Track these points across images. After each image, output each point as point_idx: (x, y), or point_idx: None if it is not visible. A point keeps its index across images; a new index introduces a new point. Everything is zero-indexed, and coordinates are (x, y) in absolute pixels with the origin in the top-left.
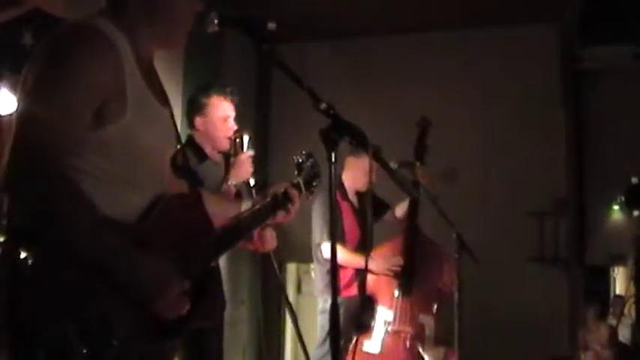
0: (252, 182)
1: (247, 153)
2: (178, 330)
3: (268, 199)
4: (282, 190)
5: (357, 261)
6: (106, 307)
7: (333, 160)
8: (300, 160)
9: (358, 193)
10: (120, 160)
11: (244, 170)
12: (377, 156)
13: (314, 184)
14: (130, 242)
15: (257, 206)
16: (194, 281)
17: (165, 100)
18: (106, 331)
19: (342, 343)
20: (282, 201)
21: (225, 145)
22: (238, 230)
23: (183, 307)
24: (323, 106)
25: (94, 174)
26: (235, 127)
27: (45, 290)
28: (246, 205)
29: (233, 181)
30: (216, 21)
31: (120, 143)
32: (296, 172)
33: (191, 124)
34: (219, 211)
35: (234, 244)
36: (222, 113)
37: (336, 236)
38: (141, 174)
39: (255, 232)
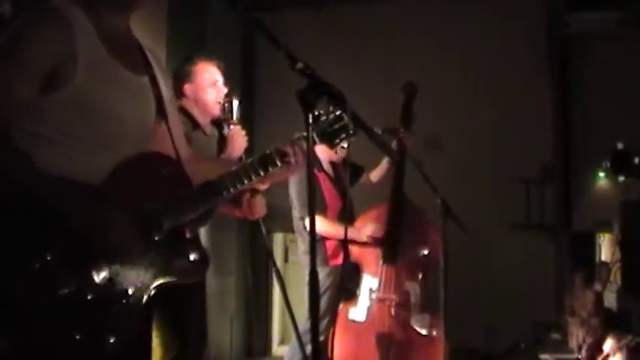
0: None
1: (238, 127)
2: (137, 282)
3: (259, 155)
4: (278, 146)
5: (340, 231)
6: (52, 257)
7: (310, 122)
8: (319, 113)
9: (332, 163)
10: (78, 122)
11: (238, 145)
12: (355, 116)
13: (341, 136)
14: (80, 195)
15: (244, 162)
16: (164, 241)
17: (141, 69)
18: (50, 282)
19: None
20: (280, 154)
21: (216, 110)
22: (217, 187)
23: (130, 251)
24: (299, 65)
25: (53, 137)
26: (225, 91)
27: None
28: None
29: (227, 157)
30: None
31: (74, 105)
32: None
33: (180, 92)
34: (209, 173)
35: (211, 200)
36: (210, 77)
37: (316, 206)
38: (104, 136)
39: (245, 199)
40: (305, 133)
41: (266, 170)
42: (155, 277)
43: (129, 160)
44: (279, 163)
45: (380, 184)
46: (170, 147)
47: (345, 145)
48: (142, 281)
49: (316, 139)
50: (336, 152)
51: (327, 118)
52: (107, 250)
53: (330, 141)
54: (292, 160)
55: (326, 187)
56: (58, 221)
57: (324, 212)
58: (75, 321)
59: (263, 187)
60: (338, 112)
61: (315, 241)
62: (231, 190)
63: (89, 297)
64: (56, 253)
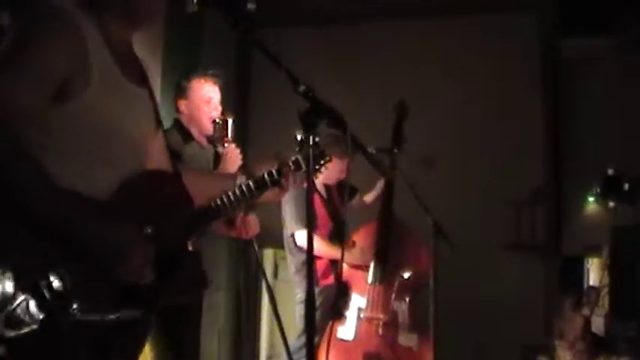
0: None
1: (232, 145)
2: (145, 302)
3: (254, 179)
4: (272, 169)
5: (332, 252)
6: (66, 275)
7: (311, 142)
8: (302, 137)
9: (325, 185)
10: (85, 135)
11: (232, 163)
12: (354, 138)
13: (320, 162)
14: (90, 211)
15: (241, 185)
16: (168, 257)
17: (142, 81)
18: (66, 299)
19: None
20: (271, 179)
21: (209, 127)
22: (216, 209)
23: (145, 275)
24: (301, 88)
25: (59, 149)
26: (219, 109)
27: (3, 258)
28: (240, 180)
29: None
30: (194, 0)
31: (83, 119)
32: (297, 149)
33: (176, 107)
34: (205, 188)
35: (209, 221)
36: (204, 95)
37: (312, 223)
38: (110, 150)
39: (238, 219)
40: (294, 157)
41: (261, 192)
42: (159, 299)
43: (133, 178)
44: (272, 185)
45: (372, 206)
46: (165, 158)
47: (323, 171)
48: (150, 300)
49: (302, 165)
50: (316, 177)
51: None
52: (122, 269)
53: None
54: (285, 182)
55: (318, 208)
56: (70, 239)
57: (314, 232)
58: (85, 340)
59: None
60: (316, 139)
61: (312, 258)
62: (228, 212)
63: (100, 317)
64: (68, 271)
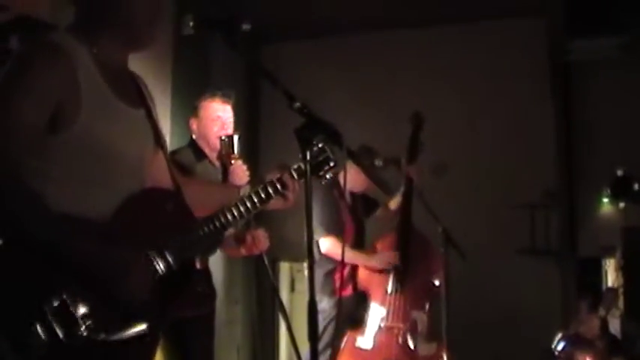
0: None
1: (239, 162)
2: (156, 316)
3: (255, 189)
4: (273, 178)
5: (358, 257)
6: (72, 297)
7: (308, 159)
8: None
9: (352, 194)
10: (84, 160)
11: (239, 179)
12: (351, 152)
13: (325, 168)
14: (90, 234)
15: (243, 197)
16: (174, 274)
17: (138, 102)
18: (73, 320)
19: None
20: (274, 189)
21: (217, 145)
22: (219, 221)
23: (146, 294)
24: (297, 105)
25: (58, 175)
26: (229, 127)
27: (10, 282)
28: (244, 190)
29: None
30: (191, 23)
31: (79, 144)
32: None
33: (189, 127)
34: (207, 199)
35: (216, 235)
36: (212, 113)
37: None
38: (110, 173)
39: (248, 235)
40: (297, 164)
41: (264, 201)
42: (166, 314)
43: (133, 198)
44: (275, 194)
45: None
46: (167, 177)
47: (329, 176)
48: (155, 317)
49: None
50: (322, 182)
51: (318, 150)
52: (123, 291)
53: (317, 172)
54: (290, 192)
55: (344, 214)
56: (70, 263)
57: (341, 238)
58: (93, 357)
59: None
60: (321, 145)
61: (313, 268)
62: (232, 222)
63: (105, 337)
64: (70, 295)
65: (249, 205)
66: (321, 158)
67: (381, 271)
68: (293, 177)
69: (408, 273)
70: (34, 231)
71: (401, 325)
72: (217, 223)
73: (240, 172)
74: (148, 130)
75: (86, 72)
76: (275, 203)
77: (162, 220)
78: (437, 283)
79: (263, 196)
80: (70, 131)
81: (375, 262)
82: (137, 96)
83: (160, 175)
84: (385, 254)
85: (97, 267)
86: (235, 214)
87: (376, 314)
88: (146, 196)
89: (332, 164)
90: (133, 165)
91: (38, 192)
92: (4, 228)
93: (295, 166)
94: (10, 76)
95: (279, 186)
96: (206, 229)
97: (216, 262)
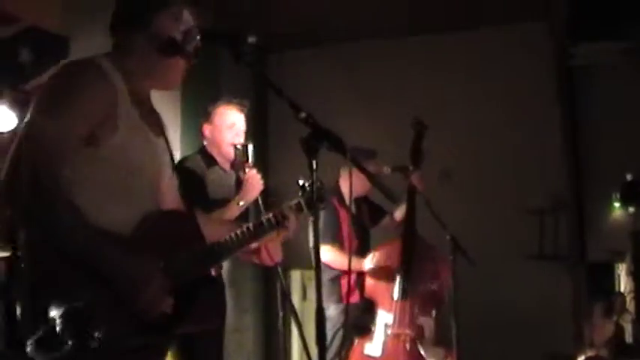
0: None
1: (253, 171)
2: (164, 329)
3: (254, 223)
4: (270, 215)
5: (353, 264)
6: (91, 302)
7: (314, 167)
8: (304, 183)
9: (356, 200)
10: (111, 175)
11: (253, 188)
12: (355, 161)
13: (319, 206)
14: (117, 245)
15: (242, 229)
16: (186, 288)
17: (160, 132)
18: (90, 324)
19: (345, 346)
20: (271, 223)
21: (230, 152)
22: (219, 250)
23: (165, 305)
24: (302, 115)
25: (85, 185)
26: (242, 136)
27: (35, 285)
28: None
29: (243, 201)
30: (197, 37)
31: (110, 160)
32: (300, 193)
33: (201, 132)
34: (211, 232)
35: (216, 260)
36: (228, 120)
37: (332, 239)
38: (132, 190)
39: (262, 247)
40: (297, 200)
41: (261, 236)
42: (178, 327)
43: (152, 216)
44: (271, 229)
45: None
46: (178, 201)
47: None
48: (167, 330)
49: (304, 207)
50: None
51: (311, 187)
52: (140, 299)
53: (311, 208)
54: (289, 225)
55: (345, 224)
56: (96, 270)
57: (340, 246)
58: None
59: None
60: (319, 182)
61: (319, 276)
62: (232, 253)
63: (121, 342)
64: (94, 297)
65: (246, 236)
66: (318, 194)
67: (384, 271)
68: (296, 209)
69: (413, 279)
70: (71, 240)
71: (407, 332)
72: (220, 249)
73: (255, 181)
74: (167, 157)
75: (122, 96)
76: (273, 236)
77: (177, 241)
78: (438, 287)
79: (259, 230)
80: (103, 147)
81: (361, 265)
82: (158, 126)
83: (173, 198)
84: (368, 258)
85: (118, 276)
86: (234, 243)
87: (383, 321)
88: (165, 215)
89: (325, 199)
90: (152, 187)
91: (73, 202)
92: (42, 235)
93: (296, 202)
94: (59, 88)
95: (274, 222)
96: (208, 258)
97: (224, 271)
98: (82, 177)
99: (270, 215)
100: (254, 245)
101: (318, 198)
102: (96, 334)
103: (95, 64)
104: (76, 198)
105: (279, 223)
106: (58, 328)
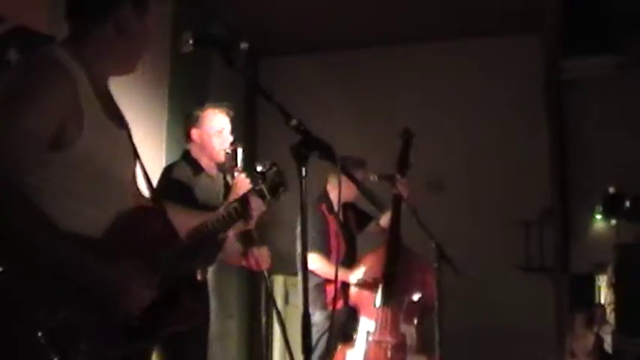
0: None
1: (242, 175)
2: (148, 334)
3: (223, 212)
4: (238, 200)
5: (332, 272)
6: (72, 314)
7: (304, 174)
8: (264, 169)
9: (344, 206)
10: (80, 179)
11: (242, 192)
12: (344, 169)
13: (280, 190)
14: (90, 251)
15: (215, 216)
16: (167, 289)
17: (121, 122)
18: (74, 337)
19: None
20: (239, 210)
21: (220, 156)
22: (197, 239)
23: (145, 302)
24: (293, 122)
25: (55, 192)
26: (231, 139)
27: (12, 301)
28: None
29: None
30: (190, 41)
31: (78, 163)
32: (260, 181)
33: (187, 136)
34: (180, 223)
35: (196, 251)
36: (217, 124)
37: (320, 246)
38: (102, 192)
39: (250, 253)
40: (258, 187)
41: (229, 224)
42: (158, 329)
43: (123, 216)
44: (239, 216)
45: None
46: (142, 196)
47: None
48: (148, 333)
49: (266, 194)
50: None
51: (273, 173)
52: (122, 308)
53: (273, 194)
54: (252, 212)
55: (333, 230)
56: (72, 279)
57: (327, 255)
58: None
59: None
60: (275, 169)
61: (307, 281)
62: (211, 238)
63: (106, 352)
64: (75, 309)
65: (217, 226)
66: (278, 180)
67: (369, 286)
68: (258, 197)
69: (397, 287)
70: (42, 249)
71: (389, 339)
72: (195, 242)
73: (243, 185)
74: (130, 150)
75: (84, 91)
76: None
77: (150, 238)
78: (421, 296)
79: (227, 219)
80: (71, 149)
81: (348, 278)
82: (118, 116)
83: (134, 193)
84: (358, 272)
85: (97, 284)
86: (209, 231)
87: (365, 328)
88: (135, 214)
89: (284, 186)
90: (122, 184)
91: (40, 209)
92: (12, 247)
93: (257, 188)
94: (14, 89)
95: (240, 209)
96: (187, 246)
97: (209, 277)
98: (51, 185)
99: (235, 204)
100: (241, 249)
101: (279, 183)
102: (81, 347)
103: (51, 58)
104: (45, 205)
105: (245, 209)
106: (42, 346)
